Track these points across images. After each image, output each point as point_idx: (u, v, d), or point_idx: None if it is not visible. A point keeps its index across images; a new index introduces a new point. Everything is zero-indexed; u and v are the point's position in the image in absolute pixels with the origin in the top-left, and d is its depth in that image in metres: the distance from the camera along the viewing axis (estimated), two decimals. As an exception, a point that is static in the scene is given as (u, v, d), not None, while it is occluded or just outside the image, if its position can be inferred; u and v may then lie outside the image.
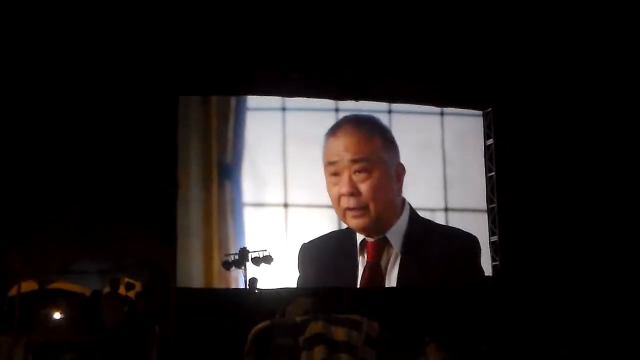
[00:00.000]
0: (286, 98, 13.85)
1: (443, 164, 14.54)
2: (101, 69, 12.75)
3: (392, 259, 13.23)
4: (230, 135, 13.70)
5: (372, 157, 13.15)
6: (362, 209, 12.92)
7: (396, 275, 13.21)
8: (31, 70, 12.49)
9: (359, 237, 13.23)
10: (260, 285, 11.95)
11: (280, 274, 12.72)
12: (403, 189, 13.33)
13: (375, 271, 13.25)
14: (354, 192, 12.87)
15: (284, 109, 13.90)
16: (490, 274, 14.37)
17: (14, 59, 12.23)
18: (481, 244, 14.12)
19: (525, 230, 14.07)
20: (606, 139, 14.06)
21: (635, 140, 13.81)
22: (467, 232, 13.86)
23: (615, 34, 13.06)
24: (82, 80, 12.74)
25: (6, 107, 12.29)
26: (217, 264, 12.88)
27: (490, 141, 14.77)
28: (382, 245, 13.24)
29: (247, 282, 11.84)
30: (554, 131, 14.31)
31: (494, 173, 14.66)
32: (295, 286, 12.82)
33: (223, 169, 13.58)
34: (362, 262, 13.26)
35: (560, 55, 13.70)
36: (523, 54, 13.85)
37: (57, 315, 12.48)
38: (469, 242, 13.80)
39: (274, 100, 13.85)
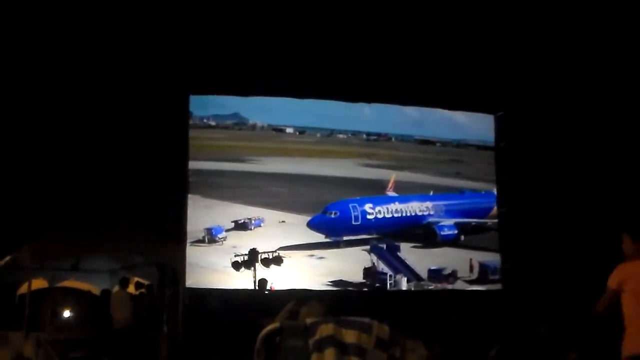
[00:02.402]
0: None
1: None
2: (113, 69, 12.78)
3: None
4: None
5: None
6: None
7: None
8: (41, 69, 12.53)
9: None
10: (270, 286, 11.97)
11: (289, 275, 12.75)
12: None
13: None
14: None
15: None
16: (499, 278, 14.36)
17: (25, 60, 12.27)
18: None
19: (535, 233, 13.99)
20: (618, 142, 13.95)
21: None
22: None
23: (624, 40, 12.99)
24: (94, 79, 12.78)
25: (21, 107, 12.35)
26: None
27: (502, 145, 14.74)
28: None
29: (257, 283, 11.85)
30: (565, 134, 14.23)
31: (504, 176, 14.63)
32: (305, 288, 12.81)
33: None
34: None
35: (571, 59, 13.62)
36: (534, 58, 13.78)
37: (66, 313, 12.52)
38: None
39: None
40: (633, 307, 5.32)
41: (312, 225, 13.51)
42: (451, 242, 14.53)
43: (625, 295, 5.43)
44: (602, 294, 5.58)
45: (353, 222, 13.72)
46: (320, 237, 13.66)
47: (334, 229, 13.63)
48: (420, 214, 14.59)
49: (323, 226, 13.58)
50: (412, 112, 14.84)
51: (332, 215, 13.58)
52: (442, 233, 14.45)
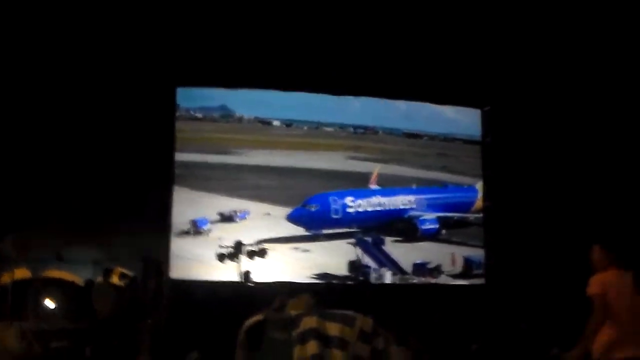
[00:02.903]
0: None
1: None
2: (98, 59, 12.70)
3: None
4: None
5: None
6: None
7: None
8: (26, 60, 12.43)
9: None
10: (254, 278, 11.97)
11: (273, 268, 12.75)
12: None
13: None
14: None
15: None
16: (482, 273, 14.44)
17: (9, 50, 12.17)
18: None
19: (519, 228, 14.06)
20: (606, 139, 14.03)
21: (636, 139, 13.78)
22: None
23: (614, 33, 13.05)
24: (79, 70, 12.69)
25: (2, 97, 12.24)
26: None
27: (488, 139, 14.80)
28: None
29: (242, 275, 11.85)
30: (551, 130, 14.30)
31: (490, 171, 14.70)
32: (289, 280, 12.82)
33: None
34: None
35: (560, 52, 13.67)
36: (522, 52, 13.82)
37: (49, 304, 12.46)
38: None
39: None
40: (617, 315, 5.45)
41: (291, 218, 13.44)
42: (432, 236, 14.55)
43: (609, 303, 5.55)
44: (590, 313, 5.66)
45: (333, 216, 13.69)
46: (304, 230, 13.65)
47: (313, 223, 13.59)
48: (402, 207, 14.58)
49: (302, 219, 13.52)
50: (400, 106, 14.84)
51: (312, 209, 13.54)
52: (423, 227, 14.47)
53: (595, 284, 5.71)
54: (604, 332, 5.52)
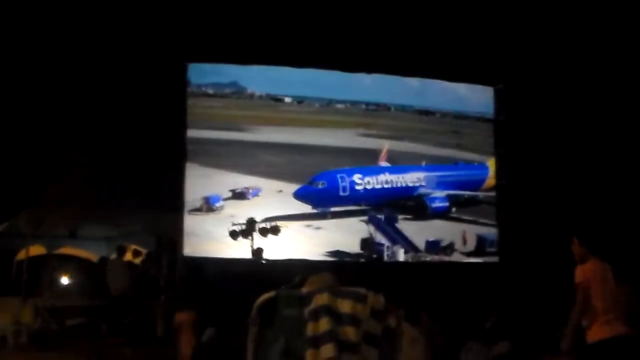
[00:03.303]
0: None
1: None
2: (109, 36, 12.65)
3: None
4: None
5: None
6: None
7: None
8: (34, 38, 12.42)
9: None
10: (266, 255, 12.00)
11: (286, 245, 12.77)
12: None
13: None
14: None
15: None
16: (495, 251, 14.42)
17: (15, 28, 12.16)
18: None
19: (532, 206, 14.00)
20: (617, 119, 13.92)
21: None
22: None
23: (626, 14, 12.88)
24: (89, 48, 12.67)
25: (15, 76, 12.27)
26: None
27: (501, 117, 14.71)
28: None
29: (253, 252, 11.88)
30: (564, 108, 14.19)
31: (503, 149, 14.62)
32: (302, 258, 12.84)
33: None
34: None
35: (571, 32, 13.52)
36: (535, 31, 13.67)
37: (64, 280, 12.60)
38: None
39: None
40: (602, 301, 5.63)
41: (297, 195, 13.30)
42: (443, 214, 14.46)
43: (590, 292, 5.74)
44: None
45: (341, 193, 13.55)
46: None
47: (321, 200, 13.46)
48: (411, 185, 14.49)
49: (309, 197, 13.38)
50: (412, 83, 14.74)
51: (319, 186, 13.42)
52: (433, 205, 14.37)
53: (577, 275, 5.85)
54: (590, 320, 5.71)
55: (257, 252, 11.85)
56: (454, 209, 14.60)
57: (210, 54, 13.33)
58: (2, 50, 11.91)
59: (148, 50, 12.68)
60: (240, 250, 12.46)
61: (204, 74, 13.79)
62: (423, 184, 14.52)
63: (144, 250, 12.41)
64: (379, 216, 13.83)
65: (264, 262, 12.14)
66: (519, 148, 14.27)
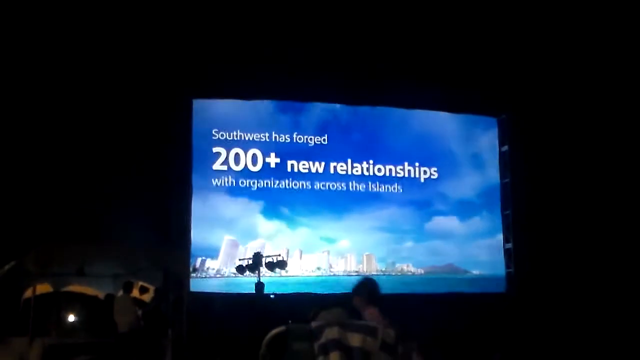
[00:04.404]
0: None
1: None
2: (118, 79, 12.84)
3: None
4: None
5: None
6: None
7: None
8: (44, 77, 12.59)
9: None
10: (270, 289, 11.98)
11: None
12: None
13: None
14: None
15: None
16: (504, 282, 14.36)
17: (30, 65, 12.33)
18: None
19: (539, 236, 13.98)
20: (621, 146, 13.96)
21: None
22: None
23: (626, 42, 12.99)
24: (99, 88, 12.83)
25: (26, 111, 12.41)
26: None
27: (505, 147, 14.75)
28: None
29: (255, 287, 11.78)
30: (568, 137, 14.24)
31: (508, 179, 14.62)
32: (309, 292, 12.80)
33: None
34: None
35: (574, 63, 13.64)
36: (537, 62, 13.81)
37: (71, 318, 12.54)
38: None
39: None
40: None
41: None
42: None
43: None
44: None
45: None
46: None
47: None
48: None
49: None
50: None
51: None
52: None
53: None
54: None
55: (258, 286, 11.74)
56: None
57: (213, 90, 13.49)
58: (10, 90, 12.07)
59: (155, 88, 12.83)
60: (248, 285, 12.41)
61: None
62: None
63: (151, 287, 12.38)
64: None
65: (272, 296, 12.08)
66: (527, 177, 14.35)
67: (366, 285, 4.58)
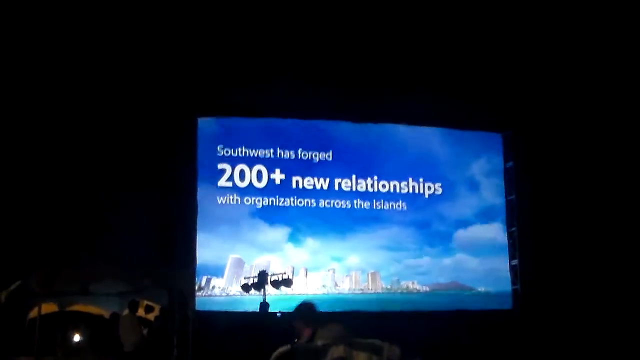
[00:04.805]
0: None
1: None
2: (121, 93, 12.90)
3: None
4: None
5: None
6: None
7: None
8: (50, 95, 12.67)
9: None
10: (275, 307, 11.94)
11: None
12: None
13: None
14: None
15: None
16: (510, 298, 14.30)
17: (35, 76, 12.41)
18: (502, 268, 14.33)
19: (545, 253, 13.94)
20: (627, 161, 13.93)
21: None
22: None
23: (635, 58, 13.01)
24: (102, 104, 12.89)
25: (29, 128, 12.47)
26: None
27: (510, 164, 14.74)
28: None
29: (260, 306, 11.73)
30: (573, 152, 14.24)
31: (514, 196, 14.60)
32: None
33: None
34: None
35: (578, 79, 13.66)
36: (542, 77, 13.84)
37: (76, 337, 12.51)
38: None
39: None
40: None
41: None
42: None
43: None
44: None
45: None
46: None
47: None
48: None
49: None
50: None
51: None
52: None
53: None
54: None
55: (263, 306, 11.67)
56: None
57: (218, 108, 13.55)
58: (12, 110, 12.13)
59: (159, 105, 12.90)
60: (253, 304, 12.37)
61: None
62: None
63: (156, 306, 12.35)
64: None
65: (279, 315, 12.04)
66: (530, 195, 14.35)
67: (299, 309, 4.57)
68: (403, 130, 14.72)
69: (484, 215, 14.85)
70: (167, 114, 12.90)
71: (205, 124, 13.69)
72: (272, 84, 13.18)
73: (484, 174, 14.97)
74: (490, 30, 12.83)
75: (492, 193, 14.92)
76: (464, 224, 14.67)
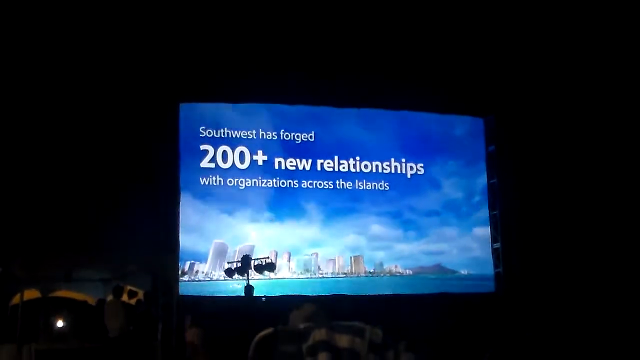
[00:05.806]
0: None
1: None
2: (105, 79, 12.80)
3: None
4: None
5: None
6: None
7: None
8: (33, 84, 12.55)
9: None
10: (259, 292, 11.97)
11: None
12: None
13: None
14: None
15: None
16: (493, 281, 14.42)
17: (21, 70, 12.30)
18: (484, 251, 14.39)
19: (527, 236, 14.05)
20: (608, 144, 14.05)
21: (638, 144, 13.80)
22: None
23: (617, 41, 13.08)
24: (86, 89, 12.79)
25: (15, 118, 12.36)
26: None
27: (492, 147, 14.81)
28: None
29: (244, 290, 11.76)
30: (555, 137, 14.32)
31: (495, 180, 14.69)
32: (300, 294, 12.80)
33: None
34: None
35: (562, 61, 13.72)
36: (524, 61, 13.87)
37: (60, 324, 12.47)
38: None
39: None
40: None
41: None
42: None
43: None
44: None
45: None
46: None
47: None
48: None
49: None
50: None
51: None
52: None
53: None
54: None
55: (247, 289, 11.70)
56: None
57: (201, 94, 13.48)
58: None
59: (141, 91, 12.81)
60: (237, 288, 12.41)
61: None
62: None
63: (140, 291, 12.34)
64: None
65: (263, 299, 12.07)
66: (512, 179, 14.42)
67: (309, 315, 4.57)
68: (385, 114, 14.71)
69: (467, 198, 14.94)
70: (148, 100, 12.82)
71: (188, 108, 13.63)
72: (254, 70, 13.13)
73: (466, 158, 15.04)
74: (472, 15, 12.83)
75: (474, 176, 14.99)
76: (448, 206, 14.75)
